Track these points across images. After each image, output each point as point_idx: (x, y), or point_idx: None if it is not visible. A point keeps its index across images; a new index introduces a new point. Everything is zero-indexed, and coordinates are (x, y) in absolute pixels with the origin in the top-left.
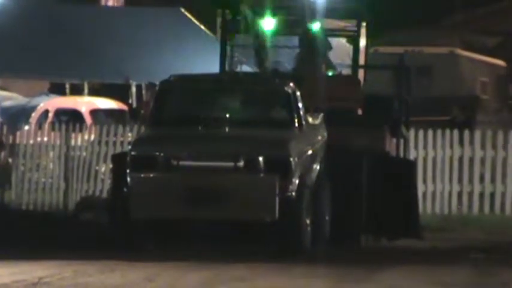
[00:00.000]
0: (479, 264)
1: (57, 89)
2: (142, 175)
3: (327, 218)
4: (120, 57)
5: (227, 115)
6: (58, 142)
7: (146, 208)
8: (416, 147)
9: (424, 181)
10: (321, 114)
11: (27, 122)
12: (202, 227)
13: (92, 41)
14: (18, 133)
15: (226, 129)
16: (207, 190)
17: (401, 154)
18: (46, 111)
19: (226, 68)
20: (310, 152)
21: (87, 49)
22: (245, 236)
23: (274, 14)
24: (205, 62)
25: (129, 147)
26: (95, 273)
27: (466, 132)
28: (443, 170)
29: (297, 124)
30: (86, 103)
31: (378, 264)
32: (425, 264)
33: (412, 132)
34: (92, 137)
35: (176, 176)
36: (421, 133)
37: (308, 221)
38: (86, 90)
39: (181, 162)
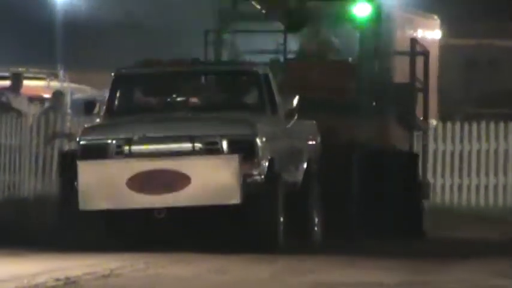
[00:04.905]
0: None
1: None
2: (90, 164)
3: (316, 220)
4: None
5: (188, 99)
6: None
7: (96, 199)
8: (479, 139)
9: (487, 174)
10: (296, 97)
11: None
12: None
13: (161, 33)
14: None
15: (186, 113)
16: (163, 175)
17: (417, 147)
18: None
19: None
20: (287, 140)
21: (157, 41)
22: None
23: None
24: None
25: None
26: (166, 264)
27: None
28: (508, 162)
29: (268, 107)
30: None
31: (441, 257)
32: (489, 257)
33: (475, 126)
34: None
35: (128, 163)
36: (483, 125)
37: (281, 219)
38: None
39: (133, 147)
